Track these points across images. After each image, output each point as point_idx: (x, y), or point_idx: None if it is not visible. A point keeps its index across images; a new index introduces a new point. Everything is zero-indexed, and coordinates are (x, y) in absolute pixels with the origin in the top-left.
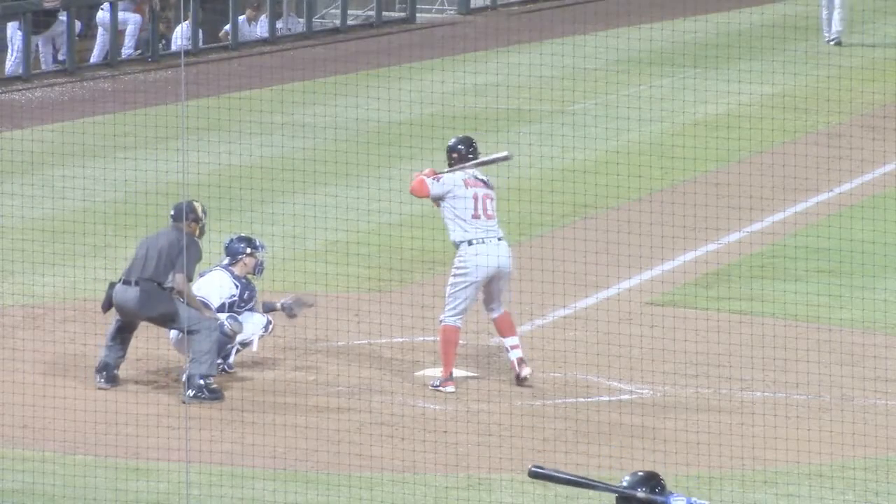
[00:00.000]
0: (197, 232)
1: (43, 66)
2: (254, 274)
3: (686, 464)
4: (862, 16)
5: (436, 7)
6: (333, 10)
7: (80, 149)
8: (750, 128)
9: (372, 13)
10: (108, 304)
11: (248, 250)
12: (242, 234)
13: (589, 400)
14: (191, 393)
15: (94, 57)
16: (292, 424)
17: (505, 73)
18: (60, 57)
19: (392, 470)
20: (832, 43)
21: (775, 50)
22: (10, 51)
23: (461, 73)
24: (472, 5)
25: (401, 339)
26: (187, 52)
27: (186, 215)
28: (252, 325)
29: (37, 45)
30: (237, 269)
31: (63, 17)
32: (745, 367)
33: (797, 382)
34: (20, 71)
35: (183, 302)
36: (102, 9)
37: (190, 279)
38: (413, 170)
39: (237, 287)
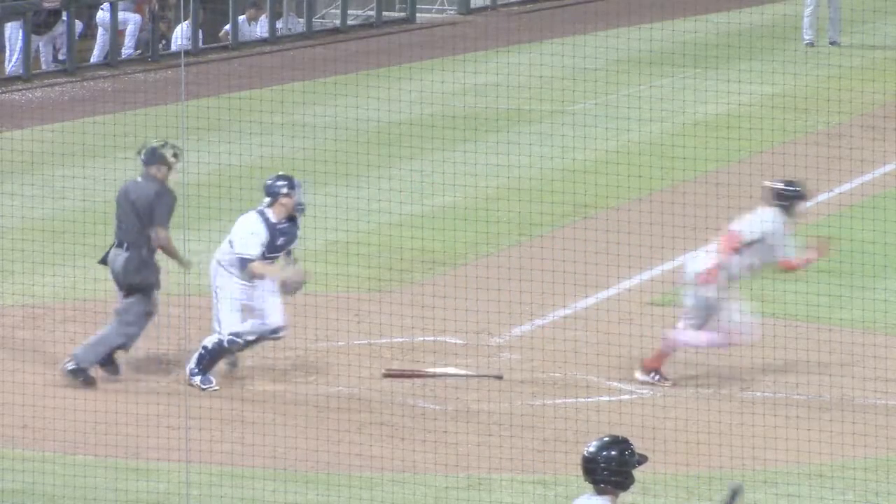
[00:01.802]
0: (169, 177)
1: (43, 66)
2: (295, 215)
3: (686, 464)
4: (862, 16)
5: (436, 7)
6: (333, 10)
7: (80, 149)
8: (750, 128)
9: (372, 13)
10: (104, 261)
11: (285, 190)
12: (282, 173)
13: (589, 400)
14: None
15: (94, 57)
16: (292, 424)
17: (505, 73)
18: (61, 57)
19: (392, 470)
20: (814, 44)
21: (775, 50)
22: (9, 51)
23: (461, 73)
24: (472, 5)
25: (401, 339)
26: (187, 52)
27: (152, 160)
28: (266, 317)
29: (38, 46)
30: (274, 212)
31: (63, 17)
32: (745, 367)
33: (797, 382)
34: (20, 71)
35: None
36: (102, 9)
37: (165, 228)
38: (413, 170)
39: (266, 232)
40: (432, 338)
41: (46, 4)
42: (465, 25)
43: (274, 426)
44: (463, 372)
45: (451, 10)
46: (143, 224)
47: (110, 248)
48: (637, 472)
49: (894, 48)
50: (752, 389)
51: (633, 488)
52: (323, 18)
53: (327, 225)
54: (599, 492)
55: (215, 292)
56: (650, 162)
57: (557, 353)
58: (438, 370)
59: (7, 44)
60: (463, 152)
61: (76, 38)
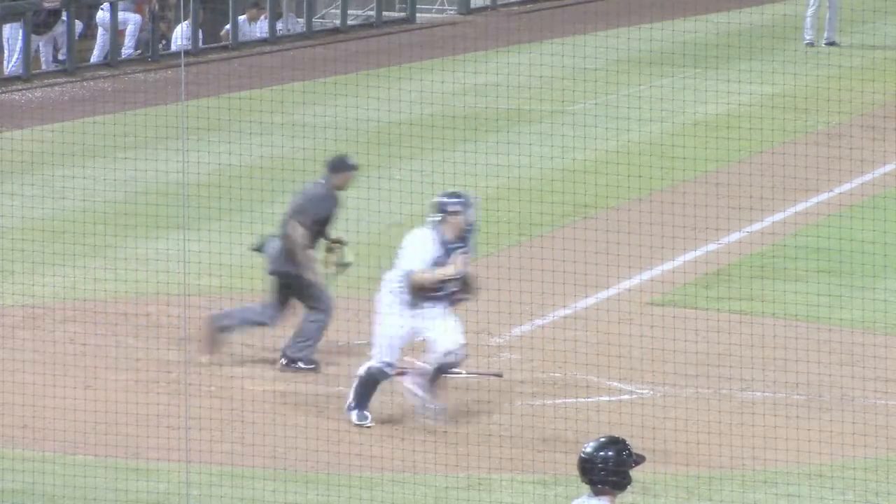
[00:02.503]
0: (342, 185)
1: (43, 66)
2: (464, 236)
3: (686, 464)
4: (862, 16)
5: (436, 7)
6: (333, 10)
7: (80, 149)
8: (750, 128)
9: (372, 13)
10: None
11: (457, 208)
12: (455, 190)
13: (589, 400)
14: (283, 361)
15: (94, 57)
16: (292, 424)
17: (505, 73)
18: (60, 57)
19: (392, 470)
20: (814, 44)
21: (775, 50)
22: (7, 51)
23: (461, 73)
24: (472, 5)
25: None
26: (187, 52)
27: (336, 168)
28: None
29: (38, 46)
30: (444, 229)
31: (63, 17)
32: (745, 367)
33: (797, 382)
34: (20, 71)
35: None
36: (102, 9)
37: (306, 229)
38: (413, 170)
39: (437, 250)
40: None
41: (46, 4)
42: (465, 25)
43: (274, 426)
44: (463, 371)
45: (451, 10)
46: (295, 213)
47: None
48: (637, 472)
49: (894, 48)
50: (752, 389)
51: (632, 488)
52: (323, 18)
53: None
54: (597, 492)
55: (378, 320)
56: (650, 162)
57: (557, 353)
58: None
59: (6, 44)
60: (463, 152)
61: (76, 38)
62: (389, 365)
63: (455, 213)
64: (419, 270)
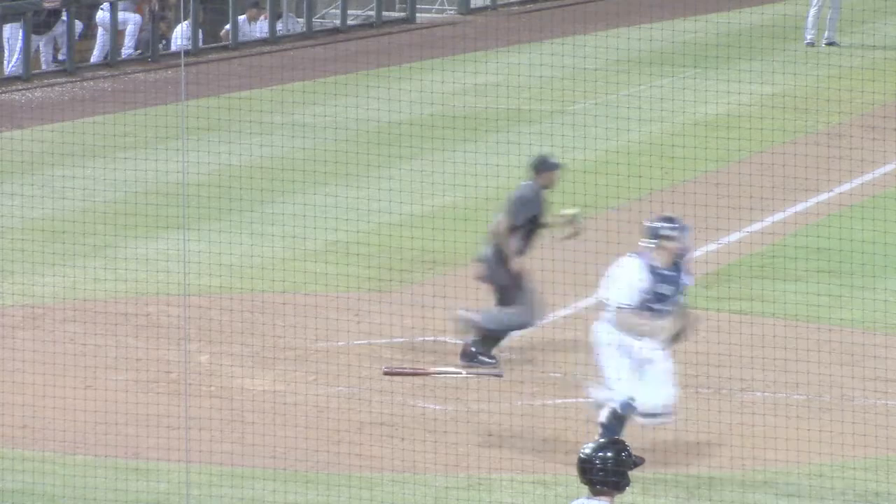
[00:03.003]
0: (548, 184)
1: (43, 66)
2: (677, 262)
3: (686, 464)
4: (862, 16)
5: (436, 7)
6: (333, 10)
7: (80, 149)
8: (750, 128)
9: (372, 13)
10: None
11: (671, 233)
12: (668, 214)
13: (589, 400)
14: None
15: (94, 57)
16: (292, 424)
17: (505, 73)
18: (60, 57)
19: (392, 470)
20: (814, 44)
21: (775, 50)
22: (7, 51)
23: (461, 73)
24: (472, 5)
25: (401, 339)
26: (187, 52)
27: (539, 167)
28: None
29: (38, 46)
30: (657, 256)
31: (63, 17)
32: (745, 367)
33: (797, 382)
34: (20, 71)
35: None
36: (102, 9)
37: (512, 229)
38: (413, 170)
39: (649, 279)
40: (432, 338)
41: (46, 4)
42: (465, 25)
43: (274, 426)
44: (463, 371)
45: (451, 10)
46: (505, 216)
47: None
48: (637, 473)
49: (894, 48)
50: (752, 389)
51: (632, 489)
52: (323, 18)
53: (327, 225)
54: (596, 493)
55: (600, 354)
56: (650, 162)
57: (557, 353)
58: (438, 369)
59: (6, 44)
60: (463, 152)
61: (76, 38)
62: (632, 399)
63: (669, 238)
64: (630, 313)
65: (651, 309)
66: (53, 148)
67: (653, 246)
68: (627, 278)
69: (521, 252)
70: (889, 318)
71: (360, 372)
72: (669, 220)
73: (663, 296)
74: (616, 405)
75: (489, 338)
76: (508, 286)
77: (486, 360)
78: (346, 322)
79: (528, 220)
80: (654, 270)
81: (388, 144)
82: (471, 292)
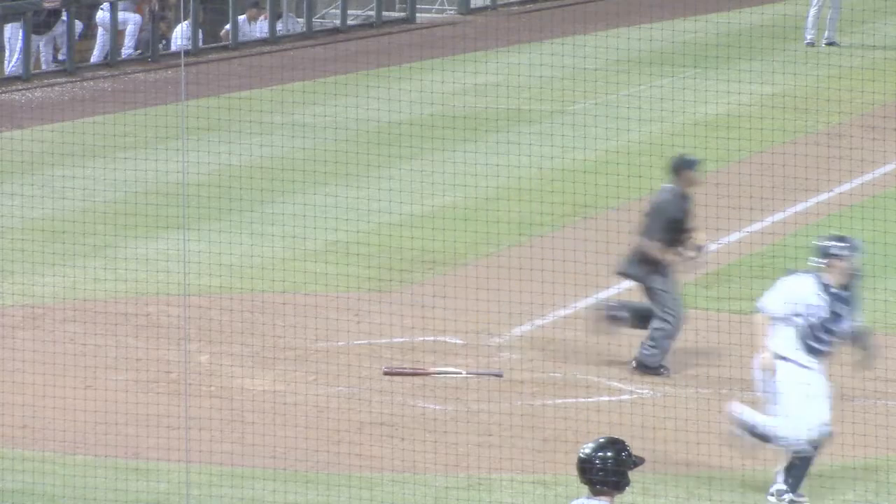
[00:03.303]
0: (689, 184)
1: (43, 66)
2: (848, 283)
3: (686, 464)
4: (862, 16)
5: (436, 7)
6: (333, 10)
7: (80, 149)
8: (750, 128)
9: (372, 13)
10: None
11: (842, 252)
12: (840, 234)
13: (589, 400)
14: (633, 364)
15: (94, 57)
16: (292, 424)
17: (505, 73)
18: (60, 57)
19: (392, 470)
20: (814, 45)
21: (775, 50)
22: (8, 51)
23: (461, 73)
24: (472, 5)
25: (401, 339)
26: (187, 52)
27: (676, 167)
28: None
29: (38, 46)
30: (829, 276)
31: (63, 17)
32: (745, 367)
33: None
34: (20, 71)
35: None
36: (102, 9)
37: (654, 235)
38: (413, 170)
39: (824, 300)
40: (432, 338)
41: (46, 4)
42: (465, 25)
43: (274, 426)
44: (463, 371)
45: (451, 10)
46: (644, 228)
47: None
48: (637, 473)
49: (894, 48)
50: (752, 389)
51: (632, 489)
52: (323, 18)
53: (327, 225)
54: (596, 493)
55: (774, 391)
56: (650, 162)
57: (557, 353)
58: (438, 369)
59: (7, 44)
60: (463, 152)
61: (76, 38)
62: (812, 443)
63: (840, 257)
64: (764, 319)
65: (829, 330)
66: (53, 148)
67: (823, 265)
68: (787, 291)
69: (668, 256)
70: (889, 318)
71: (360, 372)
72: (842, 238)
73: (838, 316)
74: (800, 449)
75: (650, 345)
76: (655, 285)
77: (652, 371)
78: (346, 322)
79: (670, 225)
80: (827, 289)
81: (388, 144)
82: (471, 292)
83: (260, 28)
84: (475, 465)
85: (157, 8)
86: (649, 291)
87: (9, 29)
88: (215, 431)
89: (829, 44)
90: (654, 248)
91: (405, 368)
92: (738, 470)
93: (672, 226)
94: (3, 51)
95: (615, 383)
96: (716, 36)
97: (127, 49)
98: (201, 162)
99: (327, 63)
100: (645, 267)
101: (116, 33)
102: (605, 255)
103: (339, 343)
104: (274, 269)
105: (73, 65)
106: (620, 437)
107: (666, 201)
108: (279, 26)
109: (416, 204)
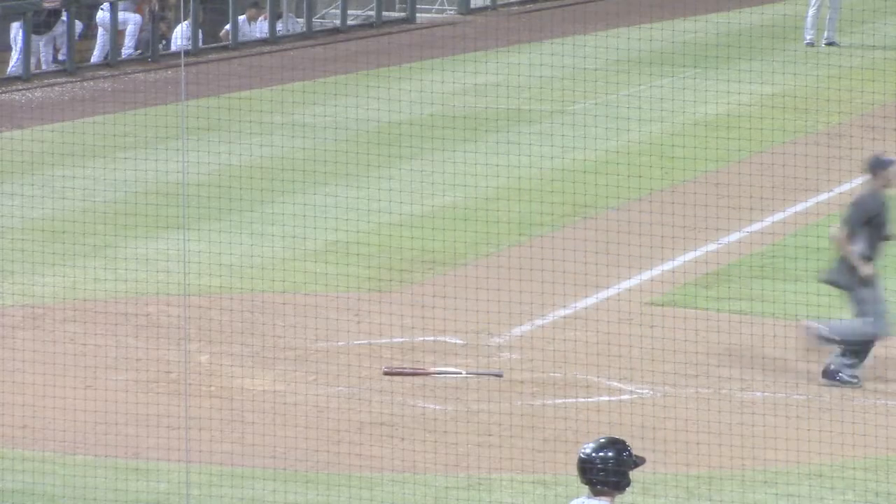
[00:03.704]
0: (889, 182)
1: (43, 66)
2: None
3: (686, 464)
4: (862, 16)
5: (436, 7)
6: (333, 10)
7: (80, 149)
8: (750, 128)
9: (372, 13)
10: None
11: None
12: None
13: (589, 400)
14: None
15: (94, 57)
16: (292, 424)
17: (505, 73)
18: (61, 57)
19: (392, 470)
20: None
21: (775, 50)
22: (15, 50)
23: (461, 73)
24: (472, 5)
25: (401, 339)
26: (187, 52)
27: (872, 167)
28: None
29: (38, 46)
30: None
31: (63, 17)
32: (745, 367)
33: (797, 382)
34: (20, 71)
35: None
36: (102, 9)
37: (852, 235)
38: (413, 170)
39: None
40: (432, 338)
41: (46, 4)
42: (465, 25)
43: (274, 426)
44: (463, 371)
45: (451, 10)
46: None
47: None
48: (637, 473)
49: (894, 48)
50: (752, 389)
51: (632, 488)
52: (323, 18)
53: (327, 225)
54: (596, 493)
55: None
56: (650, 162)
57: (557, 353)
58: (438, 369)
59: (14, 44)
60: (463, 152)
61: (76, 38)
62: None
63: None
64: None
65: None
66: (53, 148)
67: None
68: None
69: (867, 258)
70: (889, 318)
71: (360, 372)
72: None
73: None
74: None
75: (850, 353)
76: (860, 294)
77: (847, 378)
78: (346, 322)
79: (868, 224)
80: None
81: (388, 144)
82: (471, 292)
83: (260, 28)
84: (475, 465)
85: (157, 8)
86: (855, 300)
87: (14, 28)
88: (215, 431)
89: (829, 44)
90: (858, 260)
91: (405, 368)
92: (738, 470)
93: (871, 225)
94: (10, 50)
95: (615, 383)
96: (716, 36)
97: (127, 49)
98: (201, 162)
99: (327, 63)
100: (853, 276)
101: (116, 33)
102: (605, 255)
103: (339, 343)
104: (274, 269)
105: (74, 65)
106: (621, 437)
107: (863, 200)
108: (279, 26)
109: (416, 204)
